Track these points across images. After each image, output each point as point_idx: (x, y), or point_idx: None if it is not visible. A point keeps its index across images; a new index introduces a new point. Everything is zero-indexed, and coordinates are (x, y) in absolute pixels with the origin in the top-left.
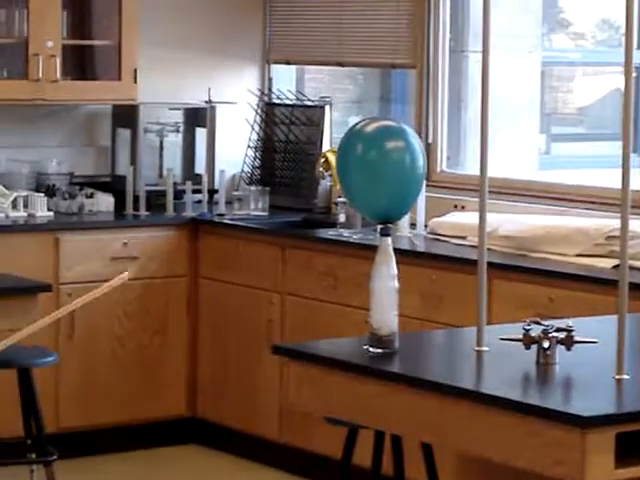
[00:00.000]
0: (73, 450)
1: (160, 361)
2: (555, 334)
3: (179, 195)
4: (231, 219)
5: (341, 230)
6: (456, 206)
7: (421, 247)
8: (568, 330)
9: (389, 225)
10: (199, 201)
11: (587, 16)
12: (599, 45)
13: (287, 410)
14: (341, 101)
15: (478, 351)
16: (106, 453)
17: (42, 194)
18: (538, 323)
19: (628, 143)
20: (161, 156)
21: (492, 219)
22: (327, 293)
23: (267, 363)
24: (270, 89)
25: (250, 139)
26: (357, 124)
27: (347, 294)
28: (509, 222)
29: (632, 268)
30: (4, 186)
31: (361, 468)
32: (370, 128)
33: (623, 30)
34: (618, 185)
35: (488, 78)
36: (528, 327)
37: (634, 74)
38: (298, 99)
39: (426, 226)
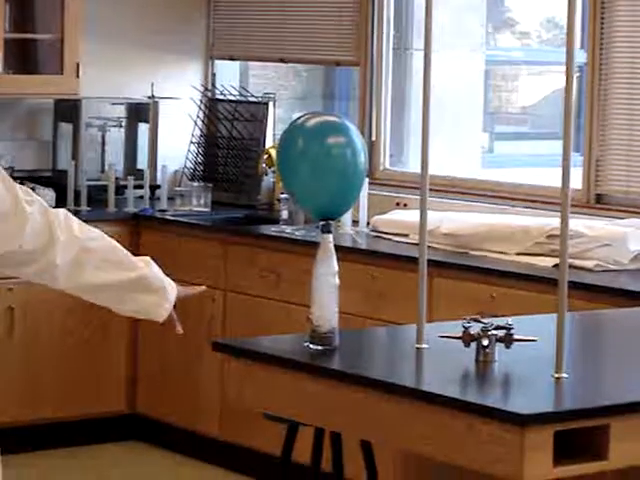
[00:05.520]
0: (12, 445)
1: (101, 357)
2: (494, 332)
3: (121, 190)
4: (173, 215)
5: (284, 227)
6: (398, 204)
7: (363, 244)
8: (507, 328)
9: (330, 222)
10: (141, 197)
11: (532, 15)
12: (544, 44)
13: (227, 407)
14: (285, 98)
15: (418, 348)
16: (45, 449)
17: None
18: (478, 321)
19: (569, 140)
20: (103, 151)
21: (434, 217)
22: (269, 290)
23: (208, 360)
24: (214, 85)
25: (193, 135)
26: (298, 118)
27: (289, 291)
28: (451, 220)
29: (572, 267)
30: None
31: (301, 465)
32: (312, 123)
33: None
34: (559, 184)
35: (430, 76)
36: (468, 325)
37: (576, 74)
38: (242, 95)
39: (368, 223)
